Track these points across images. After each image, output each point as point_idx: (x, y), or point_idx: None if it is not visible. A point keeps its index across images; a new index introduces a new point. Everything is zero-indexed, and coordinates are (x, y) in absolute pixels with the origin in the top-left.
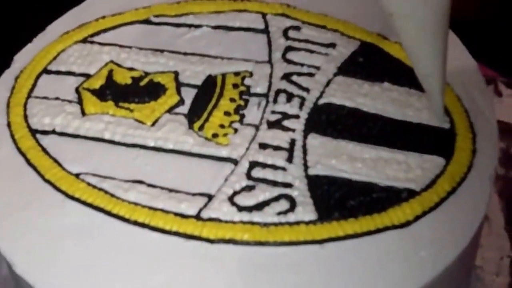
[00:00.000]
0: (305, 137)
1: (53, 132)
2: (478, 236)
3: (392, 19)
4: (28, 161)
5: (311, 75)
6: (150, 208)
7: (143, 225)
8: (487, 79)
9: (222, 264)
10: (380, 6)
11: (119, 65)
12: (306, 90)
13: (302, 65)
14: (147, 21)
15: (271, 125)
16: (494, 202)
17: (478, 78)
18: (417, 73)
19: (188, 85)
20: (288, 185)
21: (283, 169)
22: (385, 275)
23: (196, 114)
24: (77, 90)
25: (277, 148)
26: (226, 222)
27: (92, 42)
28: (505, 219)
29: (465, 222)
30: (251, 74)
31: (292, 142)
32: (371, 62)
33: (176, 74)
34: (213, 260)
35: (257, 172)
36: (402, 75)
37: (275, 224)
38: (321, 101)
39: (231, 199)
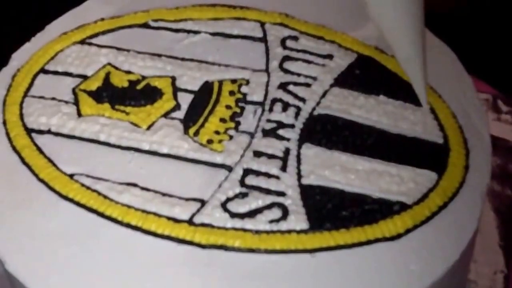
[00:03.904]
0: (299, 146)
1: (49, 132)
2: (469, 251)
3: (368, 6)
4: (22, 160)
5: (307, 85)
6: (143, 211)
7: (135, 228)
8: (487, 96)
9: (212, 270)
10: None
11: (116, 68)
12: (302, 100)
13: (299, 75)
14: (145, 25)
15: (266, 133)
16: (490, 218)
17: (473, 95)
18: (398, 58)
19: (185, 90)
20: (281, 194)
21: (277, 177)
22: (374, 286)
23: (191, 120)
24: (73, 91)
25: (271, 156)
26: (218, 228)
27: (90, 44)
28: (500, 235)
29: (455, 237)
30: (247, 82)
31: (287, 151)
32: (368, 74)
33: (173, 79)
34: (204, 265)
35: (250, 180)
36: (398, 89)
37: (267, 232)
38: (317, 112)
39: (224, 205)
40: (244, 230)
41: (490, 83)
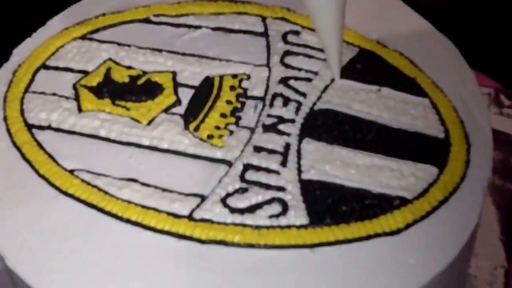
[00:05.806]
0: (299, 141)
1: (49, 127)
2: (469, 246)
3: None
4: (23, 156)
5: (308, 80)
6: (143, 206)
7: (135, 224)
8: (489, 90)
9: (212, 265)
10: None
11: (117, 63)
12: (303, 95)
13: (300, 69)
14: (146, 20)
15: (267, 128)
16: (491, 212)
17: (474, 89)
18: (315, 29)
19: (186, 85)
20: (281, 189)
21: (277, 172)
22: (374, 281)
23: (192, 115)
24: (74, 87)
25: (271, 151)
26: (218, 223)
27: (91, 39)
28: (501, 230)
29: (456, 232)
30: (248, 77)
31: (287, 146)
32: (369, 69)
33: (174, 74)
34: (203, 261)
35: (250, 175)
36: (399, 83)
37: (267, 227)
38: (317, 107)
39: (223, 200)
40: (244, 225)
41: (492, 77)
